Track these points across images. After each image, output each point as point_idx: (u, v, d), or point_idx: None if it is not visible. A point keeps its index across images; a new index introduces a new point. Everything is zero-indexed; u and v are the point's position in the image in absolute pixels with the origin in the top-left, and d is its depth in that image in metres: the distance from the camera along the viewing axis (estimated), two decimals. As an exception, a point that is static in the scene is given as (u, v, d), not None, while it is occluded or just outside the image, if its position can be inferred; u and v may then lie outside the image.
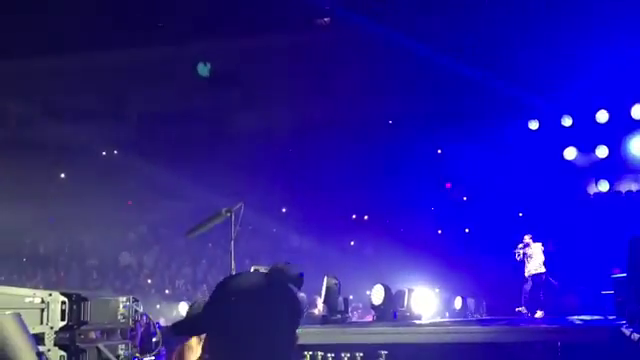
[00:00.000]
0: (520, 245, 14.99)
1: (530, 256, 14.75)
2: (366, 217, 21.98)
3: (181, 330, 2.45)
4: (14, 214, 24.41)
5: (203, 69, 22.62)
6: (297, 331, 2.25)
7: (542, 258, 14.72)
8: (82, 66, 23.32)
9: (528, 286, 14.66)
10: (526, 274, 14.74)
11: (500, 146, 19.16)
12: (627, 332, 6.47)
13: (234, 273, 7.38)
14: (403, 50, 19.54)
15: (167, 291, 21.62)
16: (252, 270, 8.33)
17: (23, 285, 18.25)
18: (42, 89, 24.32)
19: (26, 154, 23.80)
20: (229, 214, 7.64)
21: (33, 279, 22.26)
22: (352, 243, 20.93)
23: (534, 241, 14.93)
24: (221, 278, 2.37)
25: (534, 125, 18.62)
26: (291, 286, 2.37)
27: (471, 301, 15.58)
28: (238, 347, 2.17)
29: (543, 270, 14.66)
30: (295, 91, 22.50)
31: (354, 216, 22.28)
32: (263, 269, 8.30)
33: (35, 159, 23.82)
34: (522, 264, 14.95)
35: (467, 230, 20.49)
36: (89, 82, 23.65)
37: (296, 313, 2.28)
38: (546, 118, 18.74)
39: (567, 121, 18.07)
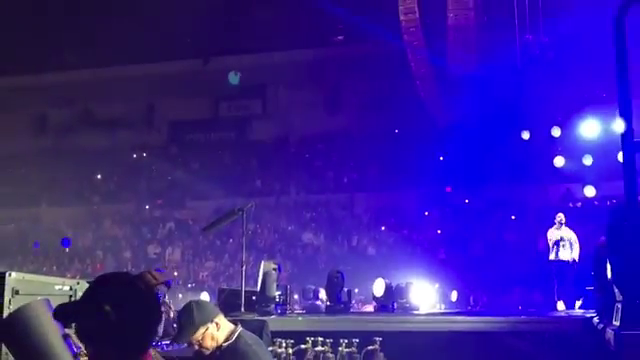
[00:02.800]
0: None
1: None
2: (369, 216, 22.02)
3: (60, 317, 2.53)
4: (55, 211, 24.79)
5: (234, 78, 22.75)
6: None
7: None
8: (116, 77, 23.66)
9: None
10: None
11: (496, 154, 19.21)
12: (595, 322, 6.62)
13: (241, 267, 7.59)
14: (410, 62, 19.67)
15: (191, 282, 21.78)
16: (264, 264, 8.54)
17: (63, 275, 18.53)
18: (80, 99, 24.67)
19: (66, 158, 24.14)
20: (241, 213, 7.82)
21: (71, 269, 22.48)
22: (359, 241, 20.98)
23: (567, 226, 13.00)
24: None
25: (526, 135, 18.65)
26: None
27: (466, 295, 15.65)
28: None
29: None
30: (310, 101, 22.69)
31: (362, 216, 22.37)
32: (273, 263, 8.52)
33: (74, 162, 24.14)
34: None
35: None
36: (123, 92, 23.94)
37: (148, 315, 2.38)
38: (537, 129, 18.75)
39: (556, 132, 18.07)
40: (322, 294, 9.78)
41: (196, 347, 4.27)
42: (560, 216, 13.08)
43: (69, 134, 26.00)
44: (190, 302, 4.43)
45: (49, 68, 23.67)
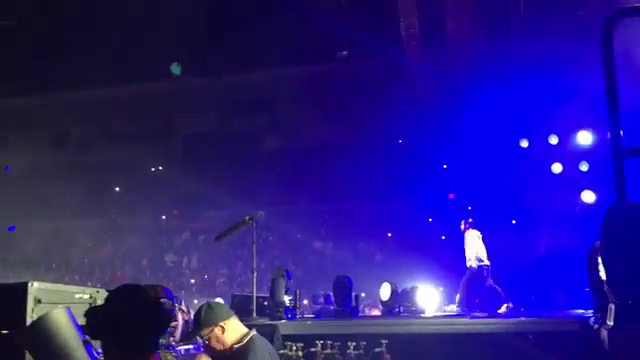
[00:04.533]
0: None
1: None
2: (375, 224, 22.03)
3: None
4: (75, 223, 24.93)
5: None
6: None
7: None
8: (133, 94, 23.82)
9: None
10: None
11: (496, 161, 19.19)
12: (591, 322, 6.63)
13: (252, 274, 7.64)
14: (412, 75, 19.73)
15: (207, 289, 21.85)
16: (274, 271, 8.60)
17: (84, 283, 18.64)
18: (99, 115, 24.85)
19: (85, 172, 24.30)
20: (251, 222, 7.88)
21: (92, 278, 22.60)
22: (366, 247, 21.00)
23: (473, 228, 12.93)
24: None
25: (524, 143, 18.63)
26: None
27: (469, 297, 15.57)
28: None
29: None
30: (316, 114, 22.76)
31: (368, 223, 22.38)
32: (282, 270, 8.57)
33: (93, 176, 24.30)
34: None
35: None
36: (139, 108, 24.10)
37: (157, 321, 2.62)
38: (535, 137, 18.73)
39: (553, 139, 18.04)
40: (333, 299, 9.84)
41: (206, 343, 4.35)
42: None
43: (88, 149, 26.18)
44: (204, 303, 4.50)
45: (69, 86, 23.86)
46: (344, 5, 18.77)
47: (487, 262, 12.84)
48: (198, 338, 4.50)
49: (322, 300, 10.66)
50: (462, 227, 13.24)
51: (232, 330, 4.35)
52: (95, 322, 2.52)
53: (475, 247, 12.78)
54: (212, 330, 4.28)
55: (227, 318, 4.38)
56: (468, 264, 12.74)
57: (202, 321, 4.29)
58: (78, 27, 19.21)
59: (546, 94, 17.12)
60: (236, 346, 4.31)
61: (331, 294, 10.36)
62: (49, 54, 20.32)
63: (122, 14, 17.60)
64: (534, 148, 18.51)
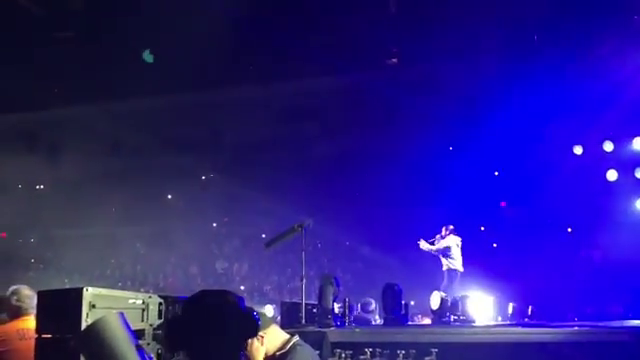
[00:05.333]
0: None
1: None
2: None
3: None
4: (129, 230, 25.40)
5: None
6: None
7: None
8: (185, 103, 24.17)
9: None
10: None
11: (550, 168, 18.87)
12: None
13: (302, 281, 7.64)
14: (461, 83, 19.54)
15: (256, 295, 21.98)
16: (322, 278, 8.59)
17: (136, 289, 18.94)
18: (152, 124, 25.27)
19: (139, 179, 24.76)
20: (301, 229, 7.90)
21: (145, 284, 22.96)
22: (416, 255, 20.81)
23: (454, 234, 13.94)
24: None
25: (579, 150, 18.29)
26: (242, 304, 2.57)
27: (522, 307, 15.31)
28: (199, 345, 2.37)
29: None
30: (365, 121, 22.71)
31: (419, 230, 22.19)
32: (330, 277, 8.56)
33: (146, 183, 24.74)
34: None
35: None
36: (191, 117, 24.44)
37: (244, 327, 2.48)
38: (589, 144, 18.36)
39: (608, 146, 17.66)
40: (374, 306, 9.79)
41: (246, 354, 4.33)
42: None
43: (141, 157, 26.67)
44: None
45: (123, 95, 24.35)
46: (393, 12, 18.68)
47: (461, 269, 13.95)
48: None
49: (370, 308, 10.61)
50: (443, 233, 14.30)
51: (272, 339, 4.35)
52: (175, 335, 2.39)
53: (455, 253, 13.73)
54: (252, 341, 4.27)
55: (266, 327, 4.37)
56: (445, 267, 13.87)
57: None
58: (130, 37, 19.57)
59: (601, 100, 16.77)
60: (278, 353, 4.31)
61: (372, 302, 10.34)
62: (101, 63, 20.73)
63: (171, 23, 17.85)
64: (588, 155, 18.14)
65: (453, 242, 13.98)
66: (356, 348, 7.10)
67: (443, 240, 14.08)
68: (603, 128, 17.81)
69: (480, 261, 18.51)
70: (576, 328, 8.12)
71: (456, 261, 13.91)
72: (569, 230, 19.47)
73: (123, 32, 19.26)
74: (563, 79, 17.16)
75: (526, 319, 15.06)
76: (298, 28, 19.17)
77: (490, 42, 17.95)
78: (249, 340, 4.24)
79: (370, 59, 21.63)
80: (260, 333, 4.25)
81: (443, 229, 14.38)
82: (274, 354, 4.27)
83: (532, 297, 16.54)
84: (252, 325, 2.51)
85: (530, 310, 13.25)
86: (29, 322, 5.58)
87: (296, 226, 7.98)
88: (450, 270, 13.87)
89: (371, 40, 19.18)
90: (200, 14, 17.19)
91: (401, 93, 21.61)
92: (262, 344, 4.25)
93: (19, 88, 20.95)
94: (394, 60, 22.29)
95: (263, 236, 21.68)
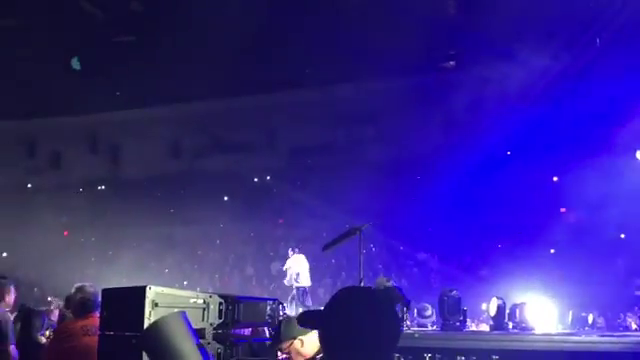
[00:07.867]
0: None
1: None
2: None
3: (303, 322, 2.60)
4: (187, 230, 25.75)
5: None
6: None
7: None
8: (242, 107, 24.41)
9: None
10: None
11: (610, 173, 18.34)
12: None
13: (360, 284, 7.57)
14: (519, 84, 19.21)
15: (311, 298, 21.94)
16: (380, 280, 8.47)
17: (193, 288, 19.17)
18: (210, 127, 25.63)
19: (196, 181, 25.10)
20: (358, 232, 7.84)
21: (202, 284, 23.18)
22: (473, 260, 20.52)
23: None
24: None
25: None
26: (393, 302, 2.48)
27: (583, 315, 14.89)
28: (351, 347, 2.29)
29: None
30: (421, 125, 22.51)
31: (476, 236, 21.89)
32: (386, 281, 8.43)
33: (203, 185, 25.05)
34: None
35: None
36: (248, 120, 24.66)
37: (396, 325, 2.37)
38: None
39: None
40: (429, 311, 9.61)
41: (286, 357, 4.31)
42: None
43: (199, 159, 27.04)
44: (284, 317, 4.48)
45: (182, 99, 24.76)
46: (452, 16, 18.47)
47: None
48: (279, 352, 4.46)
49: (427, 313, 10.44)
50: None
51: (312, 342, 4.30)
52: (331, 335, 2.30)
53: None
54: (291, 343, 4.25)
55: (307, 331, 4.33)
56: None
57: (282, 335, 4.28)
58: (188, 42, 19.85)
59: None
60: (318, 357, 4.27)
61: (429, 307, 10.16)
62: (161, 67, 21.09)
63: (227, 30, 18.01)
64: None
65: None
66: (415, 353, 6.99)
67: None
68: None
69: (540, 267, 18.14)
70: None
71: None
72: (622, 236, 19.00)
73: (179, 36, 19.57)
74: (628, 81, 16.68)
75: (587, 327, 14.66)
76: (357, 30, 19.13)
77: (549, 45, 17.59)
78: (289, 341, 4.24)
79: (428, 63, 21.45)
80: (300, 336, 4.23)
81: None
82: (314, 357, 4.24)
83: (593, 304, 16.13)
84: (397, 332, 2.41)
85: (591, 319, 12.80)
86: (93, 319, 5.66)
87: (354, 229, 7.92)
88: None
89: (429, 44, 19.01)
90: (260, 18, 17.34)
91: (459, 97, 21.36)
92: (302, 346, 4.24)
93: (80, 91, 21.50)
94: (452, 63, 22.06)
95: (318, 238, 21.68)
